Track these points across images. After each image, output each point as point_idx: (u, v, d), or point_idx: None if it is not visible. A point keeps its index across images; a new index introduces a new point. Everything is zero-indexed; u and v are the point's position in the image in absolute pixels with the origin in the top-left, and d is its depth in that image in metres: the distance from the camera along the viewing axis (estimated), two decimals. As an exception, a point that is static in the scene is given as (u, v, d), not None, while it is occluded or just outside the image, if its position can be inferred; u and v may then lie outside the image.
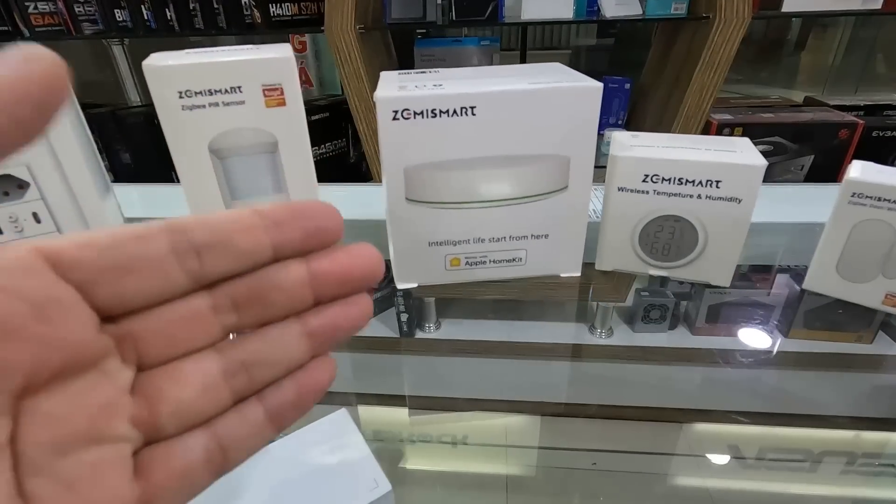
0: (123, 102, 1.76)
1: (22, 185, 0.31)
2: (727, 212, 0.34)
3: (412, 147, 0.33)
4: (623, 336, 0.41)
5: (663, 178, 0.34)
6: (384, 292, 0.44)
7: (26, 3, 1.38)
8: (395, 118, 0.32)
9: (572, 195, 0.35)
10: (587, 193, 0.35)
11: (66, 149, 0.31)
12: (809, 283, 0.36)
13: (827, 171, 1.25)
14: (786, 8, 1.20)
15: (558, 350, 0.41)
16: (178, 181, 0.32)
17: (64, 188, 0.32)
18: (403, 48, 1.58)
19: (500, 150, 0.33)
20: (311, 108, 1.45)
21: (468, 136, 0.33)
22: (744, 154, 0.33)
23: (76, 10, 1.39)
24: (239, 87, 0.30)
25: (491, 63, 1.55)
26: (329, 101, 1.51)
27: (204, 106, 0.30)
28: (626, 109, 1.54)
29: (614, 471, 0.34)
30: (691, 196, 0.34)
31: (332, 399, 0.44)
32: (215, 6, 1.33)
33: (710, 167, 0.33)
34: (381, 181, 0.35)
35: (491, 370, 0.44)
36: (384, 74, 0.37)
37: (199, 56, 0.30)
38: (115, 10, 1.38)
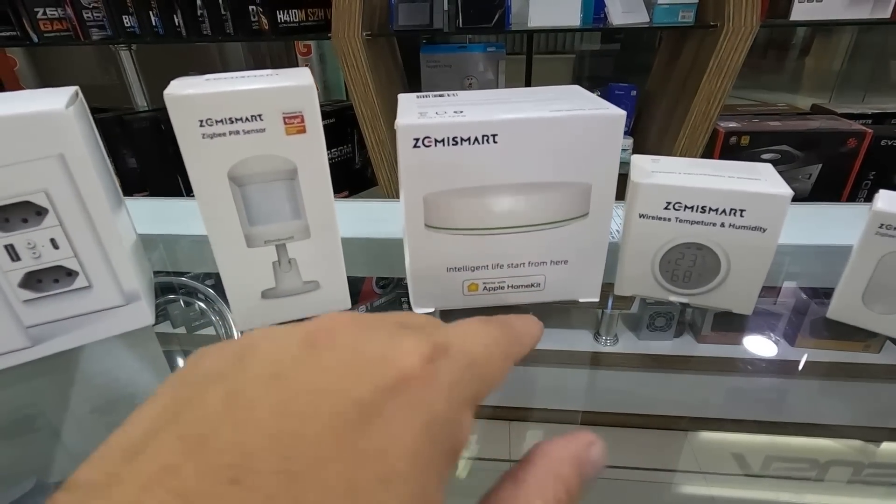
0: (130, 107, 1.76)
1: (40, 212, 0.31)
2: (751, 241, 0.33)
3: (432, 174, 0.32)
4: (628, 343, 0.41)
5: (686, 206, 0.34)
6: (389, 297, 0.44)
7: (35, 10, 1.39)
8: (415, 146, 0.31)
9: (593, 222, 0.35)
10: (608, 220, 0.35)
11: (83, 174, 0.31)
12: (834, 313, 0.36)
13: (835, 179, 1.25)
14: (794, 16, 1.20)
15: (562, 357, 0.41)
16: (184, 188, 0.32)
17: (81, 213, 0.32)
18: (409, 53, 1.58)
19: (520, 177, 0.33)
20: (317, 114, 1.45)
21: (489, 163, 0.32)
22: (768, 182, 0.33)
23: (84, 15, 1.39)
24: (259, 116, 0.30)
25: (496, 68, 1.55)
26: (334, 107, 1.51)
27: (224, 134, 0.29)
28: (632, 116, 1.53)
29: (619, 479, 0.34)
30: (714, 224, 0.34)
31: None
32: (223, 12, 1.33)
33: (735, 196, 0.32)
34: (386, 187, 0.34)
35: None
36: (402, 98, 0.36)
37: (220, 84, 0.29)
38: (123, 16, 1.39)
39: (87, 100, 0.35)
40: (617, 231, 0.40)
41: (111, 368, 0.41)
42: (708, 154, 1.31)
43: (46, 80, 2.09)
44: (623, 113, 0.31)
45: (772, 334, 0.41)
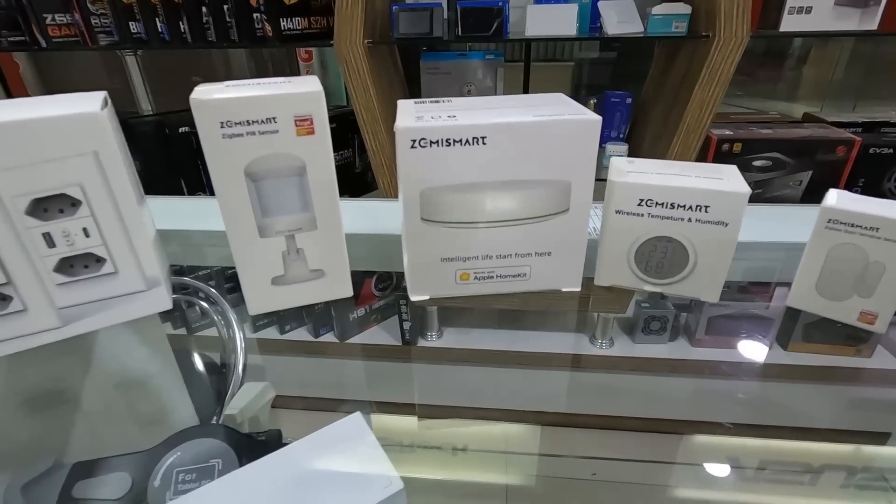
0: (135, 111, 1.79)
1: (75, 203, 0.34)
2: (715, 234, 0.37)
3: (428, 172, 0.36)
4: (623, 347, 0.43)
5: (657, 203, 0.37)
6: (387, 300, 0.47)
7: (44, 15, 1.42)
8: (412, 146, 0.35)
9: (573, 217, 0.38)
10: (586, 215, 0.38)
11: (114, 170, 0.34)
12: (792, 301, 0.39)
13: (825, 186, 1.26)
14: (784, 27, 1.24)
15: (559, 360, 0.43)
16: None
17: (111, 205, 0.35)
18: (409, 60, 1.62)
19: (507, 175, 0.36)
20: (319, 118, 1.49)
21: (479, 162, 0.36)
22: (730, 181, 0.36)
23: (92, 21, 1.43)
24: (274, 118, 0.33)
25: (495, 75, 1.59)
26: (336, 113, 1.55)
27: (242, 134, 0.33)
28: (628, 123, 1.57)
29: (614, 481, 0.35)
30: (682, 219, 0.37)
31: (335, 406, 0.46)
32: (227, 20, 1.37)
33: (699, 193, 0.36)
34: (386, 191, 0.37)
35: (492, 379, 0.46)
36: (401, 104, 0.40)
37: (239, 90, 0.33)
38: (130, 23, 1.42)
39: None
40: (594, 229, 0.43)
41: (120, 357, 0.44)
42: (701, 160, 1.34)
43: (50, 84, 2.12)
44: (598, 119, 0.35)
45: (765, 339, 0.42)
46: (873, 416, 0.38)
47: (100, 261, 0.37)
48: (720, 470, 0.34)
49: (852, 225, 0.34)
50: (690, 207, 0.37)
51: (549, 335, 0.46)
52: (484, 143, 0.35)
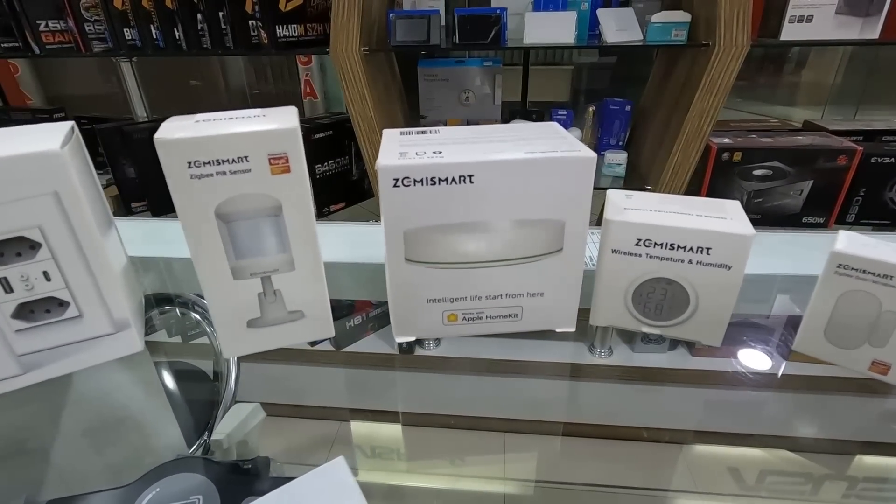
0: (130, 117, 1.77)
1: (34, 246, 0.32)
2: (717, 277, 0.35)
3: (412, 211, 0.34)
4: (622, 356, 0.42)
5: (655, 243, 0.35)
6: (384, 308, 0.45)
7: (38, 22, 1.41)
8: (395, 185, 0.33)
9: (567, 257, 0.36)
10: (581, 255, 0.36)
11: (76, 210, 0.32)
12: (799, 346, 0.37)
13: (825, 195, 1.26)
14: (784, 36, 1.22)
15: (558, 369, 0.42)
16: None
17: (73, 246, 0.33)
18: (407, 67, 1.60)
19: (497, 215, 0.34)
20: (315, 126, 1.47)
21: (466, 201, 0.34)
22: (733, 222, 0.34)
23: (86, 28, 1.41)
24: (245, 157, 0.31)
25: (493, 82, 1.57)
26: (332, 120, 1.53)
27: (212, 175, 0.31)
28: (627, 131, 1.55)
29: (612, 492, 0.34)
30: (682, 261, 0.35)
31: (332, 414, 0.45)
32: (223, 26, 1.35)
33: (701, 234, 0.34)
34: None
35: (490, 388, 0.45)
36: (386, 134, 0.38)
37: (208, 127, 0.31)
38: (125, 29, 1.41)
39: (88, 109, 0.36)
40: (591, 258, 0.41)
41: (103, 388, 0.42)
42: (701, 169, 1.33)
43: (47, 88, 2.11)
44: (593, 156, 0.33)
45: (766, 349, 0.41)
46: (875, 427, 0.37)
47: (62, 304, 0.34)
48: (720, 480, 0.34)
49: (864, 271, 0.32)
50: (691, 249, 0.34)
51: (548, 344, 0.45)
52: (471, 182, 0.33)
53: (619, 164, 1.41)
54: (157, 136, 0.30)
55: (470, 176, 0.33)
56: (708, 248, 0.34)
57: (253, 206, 0.33)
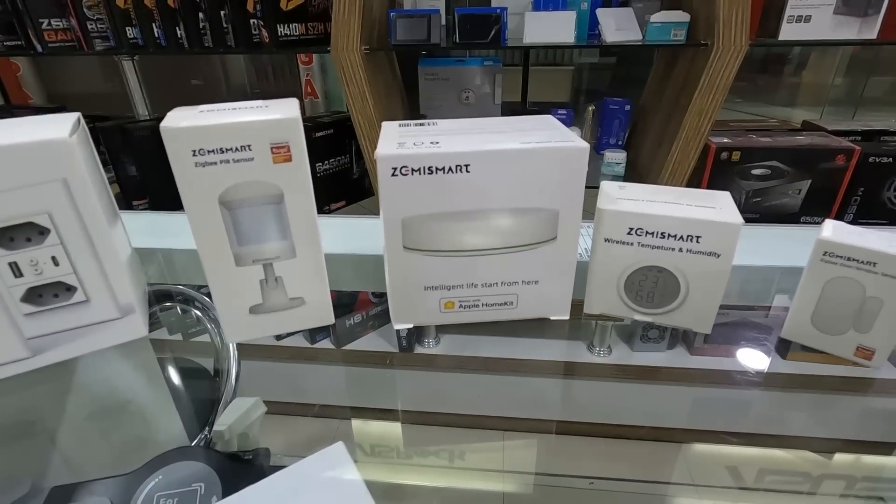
0: (132, 115, 1.78)
1: (43, 232, 0.33)
2: (707, 265, 0.36)
3: (410, 200, 0.35)
4: (622, 355, 0.42)
5: (647, 232, 0.36)
6: (384, 307, 0.46)
7: (40, 20, 1.42)
8: (393, 174, 0.34)
9: (561, 245, 0.37)
10: (575, 244, 0.37)
11: (84, 197, 0.33)
12: (787, 333, 0.38)
13: (824, 195, 1.27)
14: (783, 36, 1.23)
15: (557, 368, 0.43)
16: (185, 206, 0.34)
17: (81, 232, 0.34)
18: (407, 66, 1.61)
19: (492, 203, 0.35)
20: (315, 124, 1.48)
21: (463, 190, 0.35)
22: (723, 211, 0.35)
23: (89, 27, 1.42)
24: (248, 146, 0.32)
25: (493, 81, 1.58)
26: (333, 119, 1.54)
27: (216, 163, 0.32)
28: (626, 130, 1.56)
29: (611, 490, 0.35)
30: (673, 249, 0.36)
31: (331, 413, 0.45)
32: (224, 25, 1.36)
33: (690, 223, 0.35)
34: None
35: (490, 386, 0.45)
36: (385, 126, 0.39)
37: (212, 116, 0.32)
38: (127, 28, 1.41)
39: (89, 107, 0.37)
40: (585, 250, 0.42)
41: (107, 377, 0.43)
42: (699, 168, 1.33)
43: (49, 87, 2.12)
44: (586, 146, 0.34)
45: (764, 347, 0.41)
46: (873, 426, 0.38)
47: (70, 289, 0.35)
48: (718, 479, 0.34)
49: (849, 259, 0.33)
50: (681, 237, 0.35)
51: (548, 343, 0.45)
52: (468, 171, 0.34)
53: (619, 164, 1.42)
54: (162, 124, 0.31)
55: (466, 165, 0.34)
56: (697, 237, 0.35)
57: (255, 193, 0.33)
